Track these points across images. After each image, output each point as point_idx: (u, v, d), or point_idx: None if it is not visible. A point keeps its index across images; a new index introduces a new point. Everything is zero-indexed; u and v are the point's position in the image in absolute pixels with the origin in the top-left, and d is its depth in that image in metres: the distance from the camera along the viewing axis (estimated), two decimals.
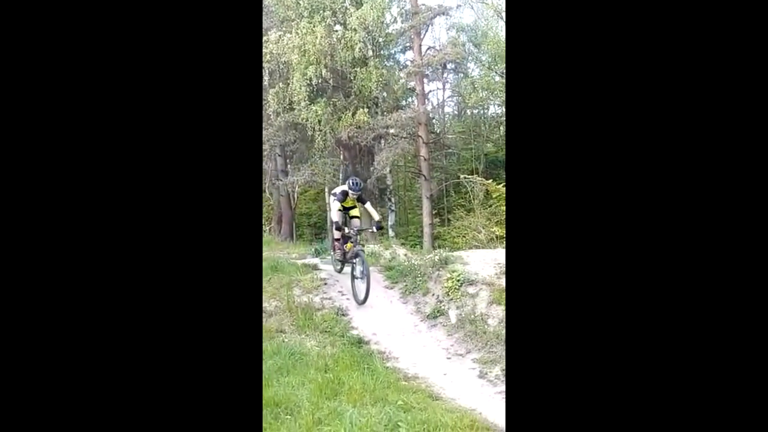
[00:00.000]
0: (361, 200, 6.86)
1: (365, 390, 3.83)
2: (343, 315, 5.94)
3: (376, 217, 7.02)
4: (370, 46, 14.58)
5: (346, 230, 6.64)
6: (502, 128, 16.46)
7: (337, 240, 6.82)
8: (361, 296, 6.03)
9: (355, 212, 7.08)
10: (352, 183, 6.71)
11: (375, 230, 7.09)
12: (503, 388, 4.41)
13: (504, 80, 14.64)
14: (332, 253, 7.22)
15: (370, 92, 14.34)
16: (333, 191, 7.11)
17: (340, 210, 6.83)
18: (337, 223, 6.69)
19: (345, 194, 6.72)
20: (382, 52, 15.58)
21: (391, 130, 14.92)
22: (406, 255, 7.67)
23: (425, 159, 14.83)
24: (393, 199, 16.44)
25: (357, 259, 6.24)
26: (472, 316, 5.50)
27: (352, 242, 6.52)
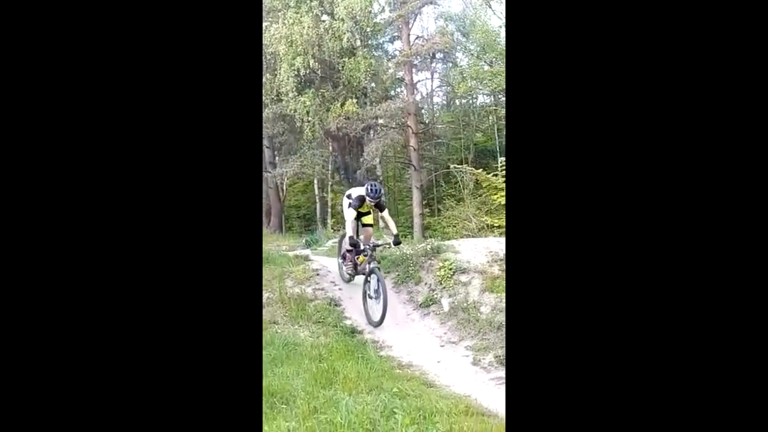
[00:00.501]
0: (379, 207, 6.14)
1: (360, 378, 3.83)
2: (336, 305, 5.93)
3: (394, 230, 6.20)
4: (358, 36, 14.50)
5: (362, 245, 5.95)
6: (491, 118, 16.48)
7: (349, 251, 6.12)
8: (376, 317, 5.48)
9: (368, 219, 6.34)
10: (371, 189, 5.97)
11: (392, 245, 6.20)
12: (497, 374, 4.45)
13: (492, 69, 14.64)
14: (340, 262, 6.53)
15: (359, 82, 14.28)
16: (348, 193, 6.34)
17: (355, 219, 6.11)
18: (352, 237, 5.91)
19: (362, 200, 5.97)
20: (370, 41, 15.50)
21: (380, 121, 14.89)
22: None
23: (415, 149, 14.82)
24: (383, 190, 16.41)
25: (372, 277, 5.65)
26: (465, 304, 5.53)
27: (365, 255, 5.88)
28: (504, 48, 14.48)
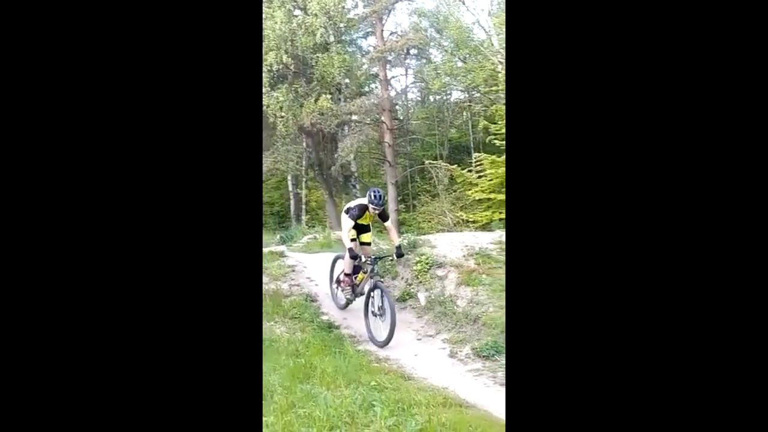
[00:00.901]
0: (382, 217, 5.37)
1: (338, 373, 3.82)
2: (312, 301, 5.90)
3: (397, 241, 5.49)
4: (331, 32, 14.43)
5: (363, 258, 5.32)
6: (465, 114, 16.60)
7: (348, 275, 5.43)
8: (381, 337, 4.91)
9: (366, 237, 5.60)
10: (374, 195, 5.19)
11: (395, 258, 5.44)
12: (473, 366, 4.49)
13: (466, 65, 14.75)
14: (334, 287, 5.83)
15: (333, 78, 14.22)
16: (346, 207, 5.57)
17: (354, 239, 5.35)
18: (351, 250, 5.20)
19: (363, 209, 5.26)
20: (343, 37, 15.45)
21: (355, 117, 14.87)
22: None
23: (389, 145, 14.82)
24: (357, 186, 16.40)
25: (375, 292, 5.05)
26: (441, 298, 5.55)
27: (364, 272, 5.32)
28: (477, 44, 14.63)
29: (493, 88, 13.92)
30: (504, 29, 13.59)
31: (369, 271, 5.18)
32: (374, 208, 5.19)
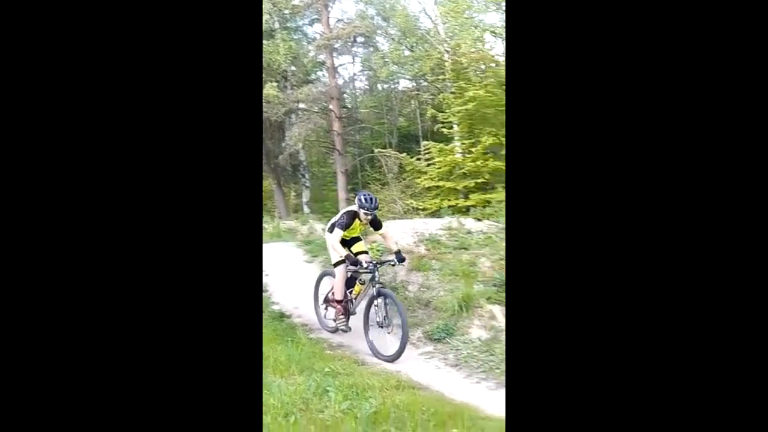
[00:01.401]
0: (374, 225, 4.73)
1: (291, 361, 3.81)
2: (263, 291, 5.83)
3: (394, 246, 4.91)
4: (276, 18, 14.15)
5: (364, 264, 4.59)
6: (414, 102, 16.67)
7: (340, 300, 4.70)
8: (390, 350, 4.32)
9: (359, 246, 4.91)
10: (366, 198, 4.55)
11: (397, 263, 4.75)
12: (425, 349, 4.58)
13: (413, 54, 14.80)
14: (320, 309, 5.08)
15: (279, 66, 13.96)
16: (331, 221, 4.92)
17: (348, 254, 4.68)
18: (349, 256, 4.58)
19: (352, 217, 4.61)
20: (288, 24, 15.16)
21: (302, 105, 14.66)
22: (323, 229, 7.62)
23: (338, 134, 14.73)
24: (307, 175, 16.24)
25: (379, 300, 4.46)
26: (393, 284, 5.61)
27: (361, 282, 4.74)
28: (423, 33, 14.69)
29: (440, 77, 14.05)
30: (449, 18, 13.75)
31: (370, 279, 4.57)
32: (366, 213, 4.53)
